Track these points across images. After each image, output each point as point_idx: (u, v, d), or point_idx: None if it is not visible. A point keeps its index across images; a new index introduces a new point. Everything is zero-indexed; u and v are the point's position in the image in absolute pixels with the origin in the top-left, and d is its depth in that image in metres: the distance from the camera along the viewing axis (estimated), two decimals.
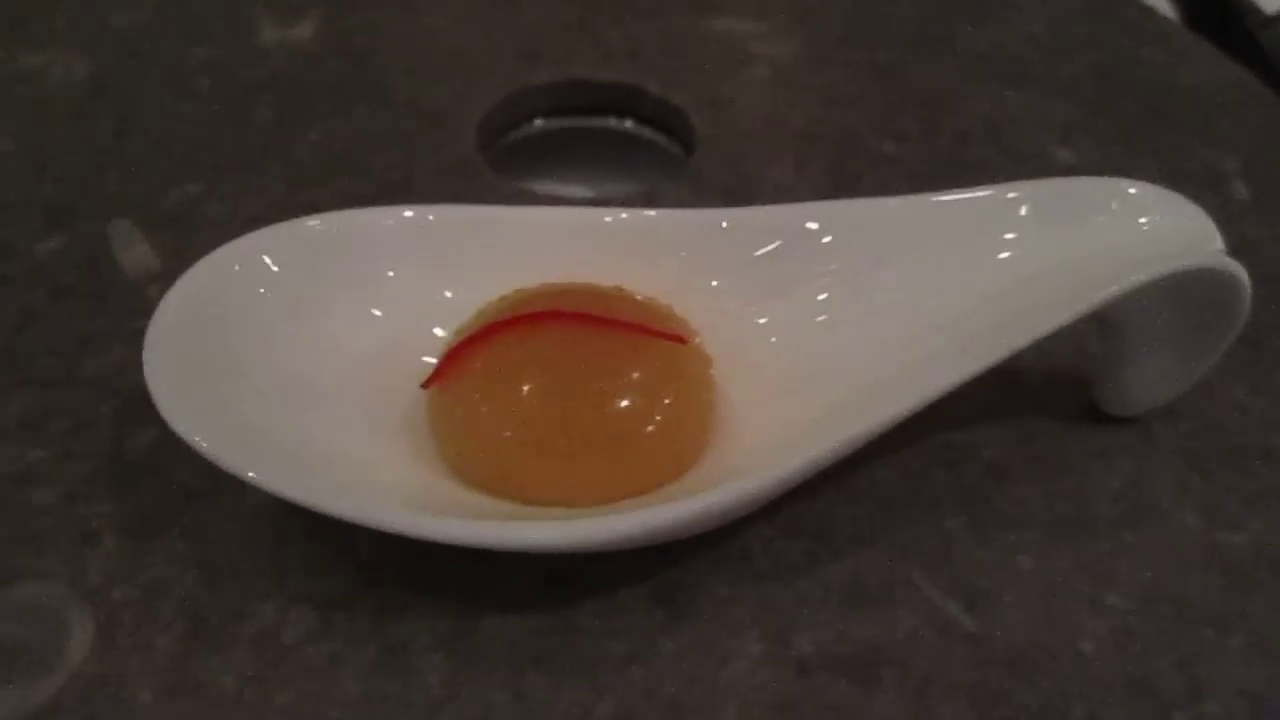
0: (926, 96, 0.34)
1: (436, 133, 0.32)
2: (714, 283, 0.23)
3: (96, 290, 0.27)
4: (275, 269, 0.22)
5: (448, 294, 0.23)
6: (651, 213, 0.24)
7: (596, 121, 0.35)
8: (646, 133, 0.35)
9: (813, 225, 0.24)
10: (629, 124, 0.35)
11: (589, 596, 0.22)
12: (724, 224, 0.23)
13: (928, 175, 0.32)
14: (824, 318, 0.24)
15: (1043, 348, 0.22)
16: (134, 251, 0.28)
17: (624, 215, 0.24)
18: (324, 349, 0.22)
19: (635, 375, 0.22)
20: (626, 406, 0.22)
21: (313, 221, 0.22)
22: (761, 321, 0.24)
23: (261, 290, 0.22)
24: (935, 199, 0.24)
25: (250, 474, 0.19)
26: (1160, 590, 0.22)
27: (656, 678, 0.20)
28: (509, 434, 0.22)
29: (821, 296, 0.24)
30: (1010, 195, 0.24)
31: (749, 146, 0.33)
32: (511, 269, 0.22)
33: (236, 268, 0.22)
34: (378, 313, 0.23)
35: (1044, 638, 0.21)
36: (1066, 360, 0.26)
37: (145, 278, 0.28)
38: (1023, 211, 0.24)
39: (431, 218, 0.23)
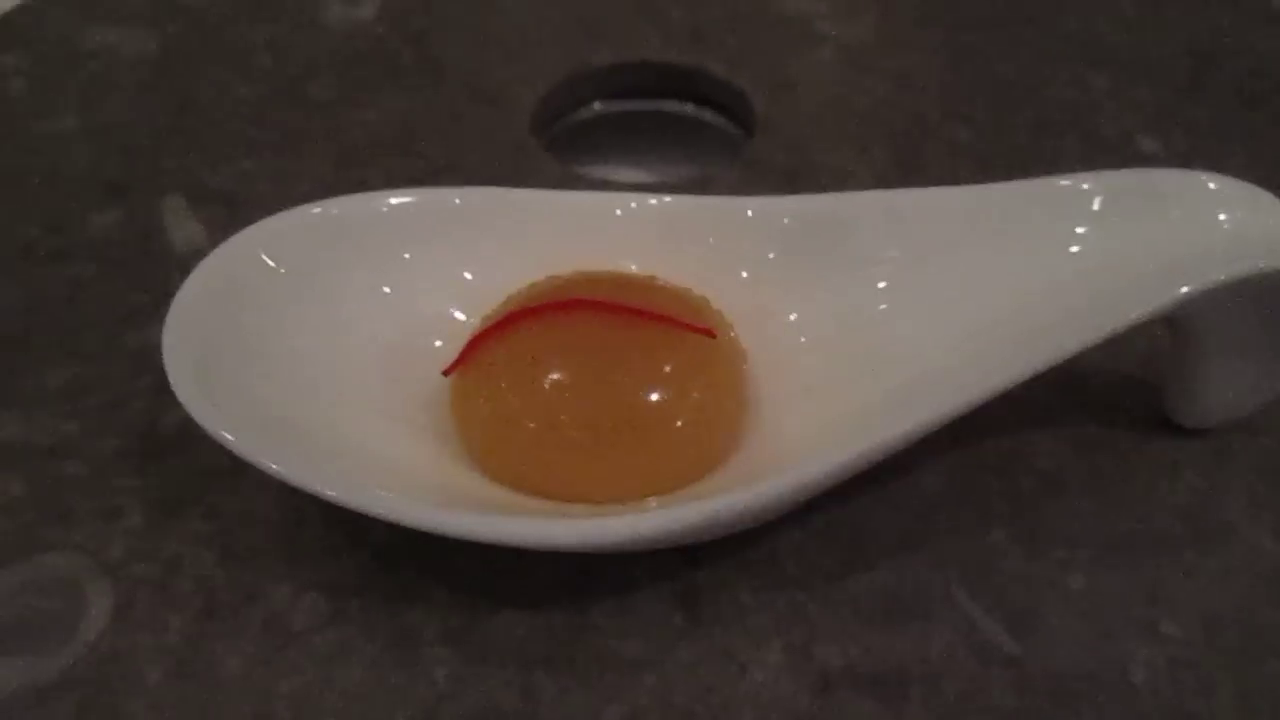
0: (1004, 81, 0.33)
1: (491, 114, 0.32)
2: (744, 274, 0.22)
3: (144, 266, 0.28)
4: (291, 256, 0.22)
5: (468, 276, 0.22)
6: (668, 199, 0.23)
7: (656, 104, 0.34)
8: (707, 115, 0.34)
9: (858, 215, 0.23)
10: (689, 107, 0.34)
11: (607, 596, 0.21)
12: (749, 212, 0.22)
13: (1001, 164, 0.30)
14: (869, 311, 0.22)
15: (1111, 351, 0.20)
16: (184, 228, 0.29)
17: (650, 201, 0.23)
18: (345, 335, 0.21)
19: (664, 368, 0.21)
20: (653, 400, 0.21)
21: (316, 209, 0.22)
22: (799, 316, 0.22)
23: (278, 278, 0.21)
24: (992, 188, 0.23)
25: (274, 466, 0.19)
26: (1224, 618, 0.20)
27: (670, 685, 0.19)
28: (531, 425, 0.21)
29: (867, 290, 0.22)
30: (1084, 186, 0.23)
31: (811, 131, 0.31)
32: (537, 254, 0.22)
33: (259, 254, 0.21)
34: (396, 297, 0.22)
35: (1091, 665, 0.20)
36: (1136, 365, 0.24)
37: (192, 254, 0.28)
38: (1096, 204, 0.23)
39: (458, 201, 0.22)
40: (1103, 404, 0.24)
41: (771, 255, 0.22)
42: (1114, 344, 0.20)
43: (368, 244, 0.22)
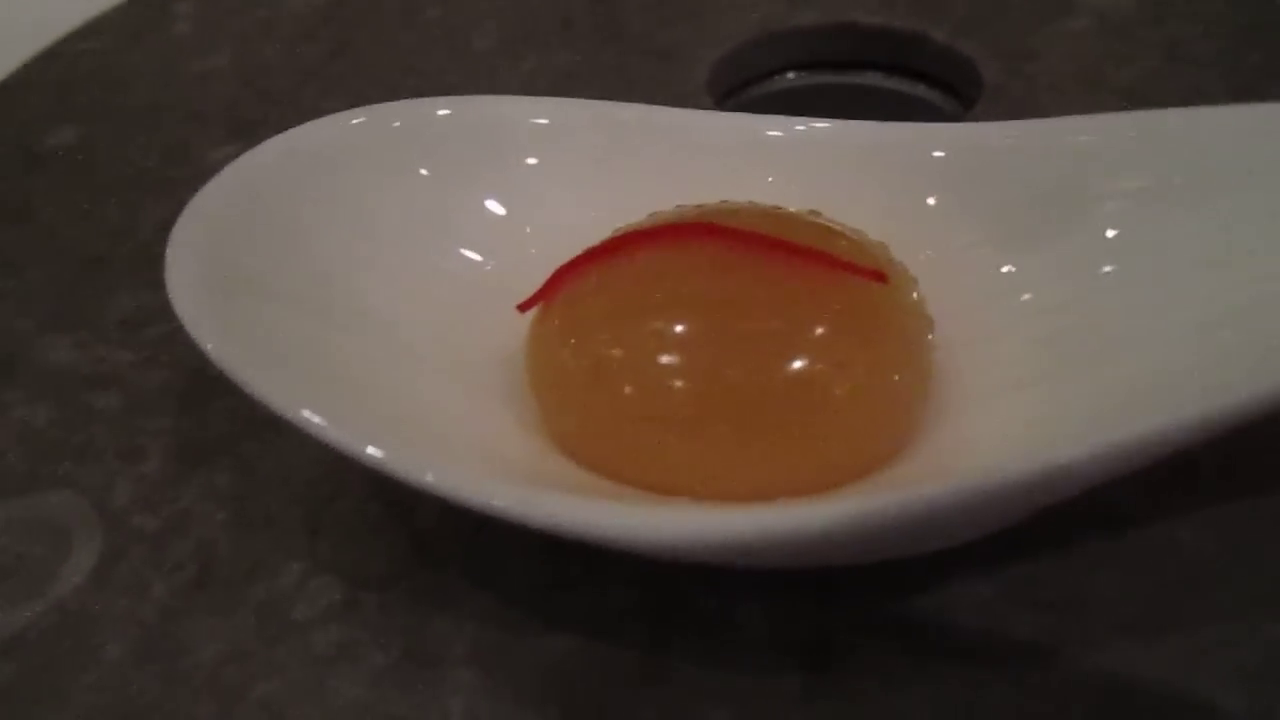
0: None
1: (664, 70, 0.27)
2: (926, 220, 0.16)
3: None
4: (340, 167, 0.17)
5: (589, 211, 0.17)
6: (845, 124, 0.17)
7: (856, 77, 0.28)
8: (920, 91, 0.28)
9: (1088, 144, 0.16)
10: (897, 81, 0.28)
11: (696, 634, 0.15)
12: (937, 153, 0.16)
13: None
14: (1105, 269, 0.16)
15: None
16: None
17: (819, 125, 0.17)
18: (400, 264, 0.17)
19: (816, 328, 0.16)
20: (796, 370, 0.15)
21: (358, 118, 0.18)
22: (1010, 272, 0.16)
23: (321, 191, 0.17)
24: None
25: (306, 412, 0.14)
26: None
27: None
28: (626, 390, 0.16)
29: (1102, 241, 0.16)
30: None
31: (1051, 105, 0.25)
32: (671, 186, 0.17)
33: (283, 162, 0.17)
34: (472, 222, 0.17)
35: None
36: None
37: None
38: None
39: (580, 113, 0.17)
40: None
41: (983, 197, 0.16)
42: None
43: (435, 155, 0.18)
